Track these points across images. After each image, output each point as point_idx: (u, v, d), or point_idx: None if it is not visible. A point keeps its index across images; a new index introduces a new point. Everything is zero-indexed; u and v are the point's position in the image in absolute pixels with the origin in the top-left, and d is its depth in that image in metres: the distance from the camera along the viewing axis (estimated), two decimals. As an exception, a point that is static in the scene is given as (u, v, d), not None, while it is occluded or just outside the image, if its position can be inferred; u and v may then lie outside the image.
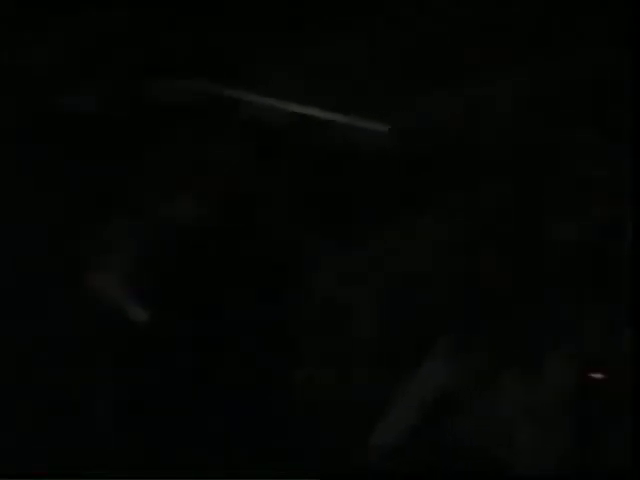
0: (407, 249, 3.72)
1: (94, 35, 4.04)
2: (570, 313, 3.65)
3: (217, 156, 3.84)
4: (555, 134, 3.78)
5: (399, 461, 3.49)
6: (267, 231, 3.78)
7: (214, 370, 3.68)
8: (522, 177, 3.77)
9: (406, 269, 3.72)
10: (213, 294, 3.73)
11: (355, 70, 4.01)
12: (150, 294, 3.73)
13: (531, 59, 3.92)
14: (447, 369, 3.60)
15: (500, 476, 3.48)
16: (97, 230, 3.81)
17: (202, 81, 3.97)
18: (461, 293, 3.64)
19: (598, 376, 3.48)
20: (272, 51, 4.03)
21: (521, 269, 3.68)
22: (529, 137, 3.79)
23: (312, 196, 3.82)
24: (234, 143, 3.84)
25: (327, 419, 3.68)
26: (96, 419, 3.72)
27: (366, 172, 3.84)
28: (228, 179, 3.85)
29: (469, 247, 3.70)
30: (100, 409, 3.73)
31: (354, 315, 3.73)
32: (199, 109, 3.91)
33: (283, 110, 3.91)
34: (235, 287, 3.72)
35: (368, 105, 3.94)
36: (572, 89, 3.83)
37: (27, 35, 4.02)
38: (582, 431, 3.43)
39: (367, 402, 3.61)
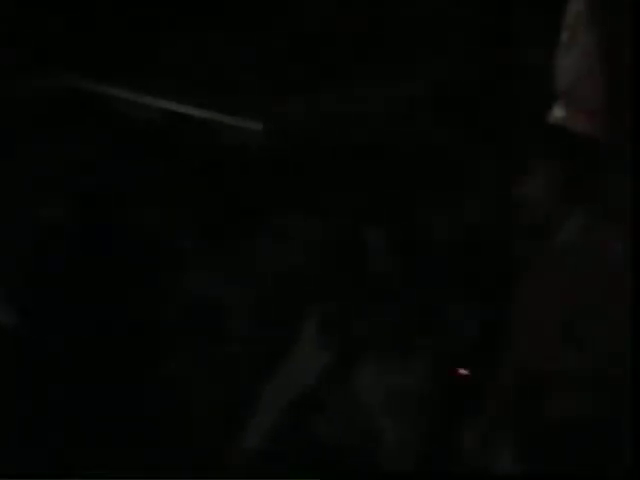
0: (279, 248, 3.75)
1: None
2: (439, 308, 3.72)
3: (87, 154, 3.83)
4: (426, 133, 3.85)
5: (267, 462, 3.51)
6: (139, 230, 3.77)
7: (84, 369, 3.66)
8: (393, 175, 3.83)
9: (278, 268, 3.75)
10: (84, 293, 3.72)
11: (230, 69, 4.04)
12: (18, 295, 3.71)
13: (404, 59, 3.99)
14: (313, 365, 3.64)
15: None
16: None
17: (74, 78, 3.96)
18: (332, 291, 3.68)
19: (463, 372, 3.54)
20: (147, 49, 4.04)
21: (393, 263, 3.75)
22: (402, 137, 3.86)
23: (184, 194, 3.83)
24: (106, 141, 3.83)
25: (200, 418, 3.70)
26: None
27: (239, 170, 3.87)
28: (101, 177, 3.84)
29: (341, 245, 3.75)
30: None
31: (226, 314, 3.76)
32: (71, 106, 3.90)
33: (157, 107, 3.93)
34: (106, 286, 3.72)
35: (242, 104, 3.97)
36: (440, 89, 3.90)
37: None
38: (441, 427, 3.49)
39: (239, 402, 3.64)
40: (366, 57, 3.96)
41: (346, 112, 3.89)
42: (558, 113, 3.38)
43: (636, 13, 3.17)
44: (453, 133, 3.87)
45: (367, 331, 3.62)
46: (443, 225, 3.86)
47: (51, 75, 3.96)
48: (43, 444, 3.64)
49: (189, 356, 3.71)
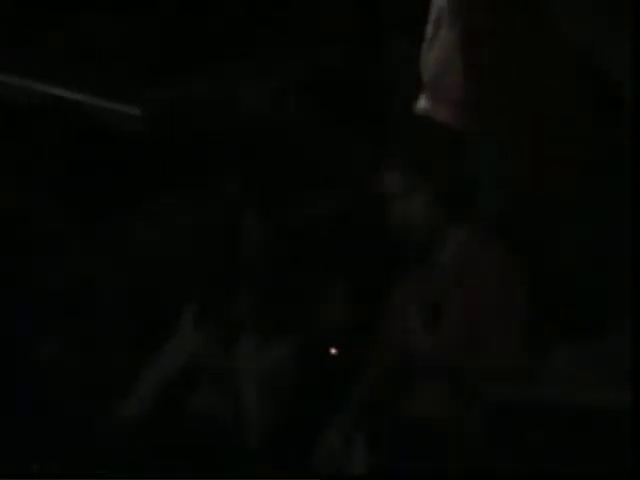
0: (151, 232, 3.84)
1: None
2: (312, 292, 3.86)
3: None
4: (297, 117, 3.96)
5: (139, 436, 3.61)
6: (14, 212, 3.82)
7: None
8: (266, 159, 3.94)
9: (151, 253, 3.83)
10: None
11: (110, 54, 4.09)
12: None
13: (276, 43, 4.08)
14: (189, 347, 3.75)
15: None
16: None
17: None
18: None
19: (333, 351, 3.69)
20: (24, 32, 4.07)
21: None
22: (273, 121, 3.96)
23: (57, 177, 3.88)
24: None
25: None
26: None
27: (116, 154, 3.93)
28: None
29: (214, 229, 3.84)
30: None
31: (99, 298, 3.83)
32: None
33: (34, 90, 3.96)
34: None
35: (121, 88, 4.03)
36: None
37: None
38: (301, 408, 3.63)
39: (115, 377, 3.73)
40: (238, 41, 4.05)
41: (218, 97, 3.97)
42: (422, 104, 3.53)
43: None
44: (324, 116, 3.98)
45: (242, 315, 3.74)
46: (316, 208, 3.98)
47: None
48: None
49: (62, 339, 3.78)
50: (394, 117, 3.69)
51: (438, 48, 3.49)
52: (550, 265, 3.39)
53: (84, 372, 3.74)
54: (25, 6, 4.10)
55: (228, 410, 3.68)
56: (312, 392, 3.60)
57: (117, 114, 4.00)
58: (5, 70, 4.04)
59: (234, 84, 3.97)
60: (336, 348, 3.68)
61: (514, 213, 3.40)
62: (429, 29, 3.53)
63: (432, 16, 3.52)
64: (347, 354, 3.65)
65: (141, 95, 4.00)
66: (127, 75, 4.03)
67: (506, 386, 3.29)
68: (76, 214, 3.86)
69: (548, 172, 3.40)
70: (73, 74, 4.03)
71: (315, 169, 3.95)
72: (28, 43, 4.06)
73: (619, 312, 3.28)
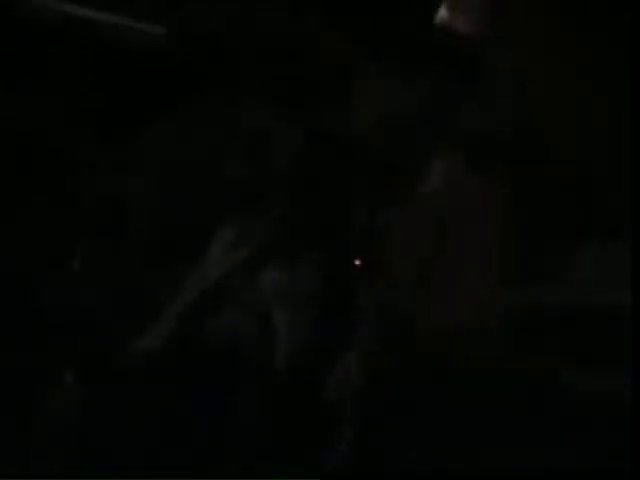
0: (181, 144, 3.92)
1: None
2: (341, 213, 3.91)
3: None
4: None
5: (158, 362, 3.70)
6: (43, 134, 3.91)
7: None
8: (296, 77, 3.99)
9: (180, 171, 3.92)
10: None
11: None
12: None
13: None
14: (222, 266, 3.83)
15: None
16: None
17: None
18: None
19: (358, 262, 3.76)
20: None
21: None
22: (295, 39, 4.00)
23: (87, 96, 3.96)
24: (6, 44, 3.93)
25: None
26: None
27: (141, 73, 4.00)
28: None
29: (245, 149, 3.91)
30: None
31: (131, 210, 3.92)
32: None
33: (59, 10, 4.02)
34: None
35: (145, 7, 4.08)
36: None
37: None
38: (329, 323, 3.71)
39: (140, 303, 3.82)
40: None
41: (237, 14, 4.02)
42: (443, 14, 3.62)
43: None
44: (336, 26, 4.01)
45: (273, 236, 3.82)
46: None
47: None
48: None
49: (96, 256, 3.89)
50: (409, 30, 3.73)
51: None
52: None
53: (113, 292, 3.87)
54: None
55: (253, 334, 3.76)
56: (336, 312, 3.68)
57: (141, 33, 4.05)
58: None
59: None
60: (360, 260, 3.75)
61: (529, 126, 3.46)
62: None
63: None
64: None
65: (164, 15, 4.04)
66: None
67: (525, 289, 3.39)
68: (105, 134, 3.95)
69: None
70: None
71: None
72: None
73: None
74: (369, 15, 3.69)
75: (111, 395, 3.65)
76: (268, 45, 3.90)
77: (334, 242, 3.75)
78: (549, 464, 3.38)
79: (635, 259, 3.17)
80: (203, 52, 3.95)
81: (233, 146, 3.93)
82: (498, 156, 3.34)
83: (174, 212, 3.87)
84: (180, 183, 3.91)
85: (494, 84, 3.48)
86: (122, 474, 3.56)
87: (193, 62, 4.00)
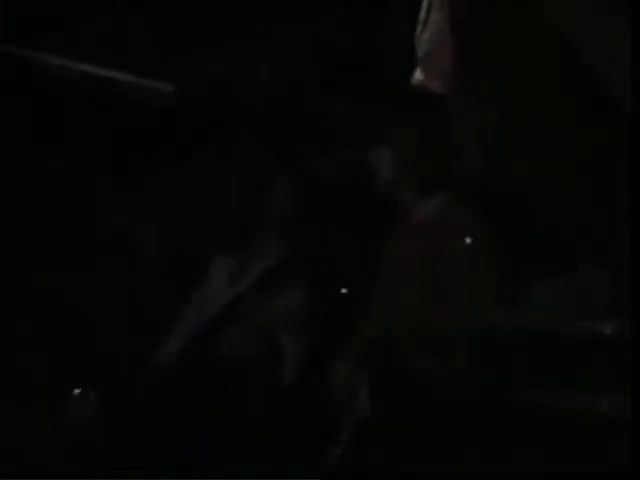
0: (183, 191, 4.44)
1: None
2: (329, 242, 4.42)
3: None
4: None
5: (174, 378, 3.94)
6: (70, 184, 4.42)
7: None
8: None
9: (183, 208, 4.43)
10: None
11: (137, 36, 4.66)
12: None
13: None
14: (223, 297, 4.10)
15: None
16: None
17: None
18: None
19: (344, 291, 4.26)
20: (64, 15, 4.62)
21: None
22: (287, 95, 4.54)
23: (103, 147, 4.47)
24: (27, 99, 4.43)
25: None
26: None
27: (151, 125, 4.51)
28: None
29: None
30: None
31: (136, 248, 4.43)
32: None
33: (75, 69, 4.52)
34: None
35: (154, 68, 4.61)
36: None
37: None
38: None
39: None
40: (251, 23, 4.62)
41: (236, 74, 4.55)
42: (418, 76, 4.16)
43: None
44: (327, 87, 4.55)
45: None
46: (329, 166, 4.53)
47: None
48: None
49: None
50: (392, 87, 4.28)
51: (429, 30, 4.12)
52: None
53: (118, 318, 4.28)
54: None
55: (258, 352, 4.04)
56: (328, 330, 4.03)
57: (152, 91, 4.58)
58: (53, 52, 4.59)
59: (250, 62, 4.55)
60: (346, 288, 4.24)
61: (496, 174, 4.00)
62: (422, 14, 4.16)
63: (424, 4, 4.16)
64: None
65: (172, 73, 4.58)
66: (159, 56, 4.61)
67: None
68: (120, 177, 4.46)
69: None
70: (111, 55, 4.62)
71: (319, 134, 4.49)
72: (73, 26, 4.62)
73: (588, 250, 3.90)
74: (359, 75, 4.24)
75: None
76: (261, 104, 4.45)
77: (322, 273, 4.25)
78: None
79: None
80: (205, 108, 4.50)
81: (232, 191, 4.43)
82: (473, 194, 3.85)
83: (180, 246, 4.37)
84: (185, 224, 4.42)
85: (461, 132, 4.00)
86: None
87: (196, 117, 4.55)
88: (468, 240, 3.50)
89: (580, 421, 3.74)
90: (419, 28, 4.16)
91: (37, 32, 4.57)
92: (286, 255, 4.12)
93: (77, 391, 3.88)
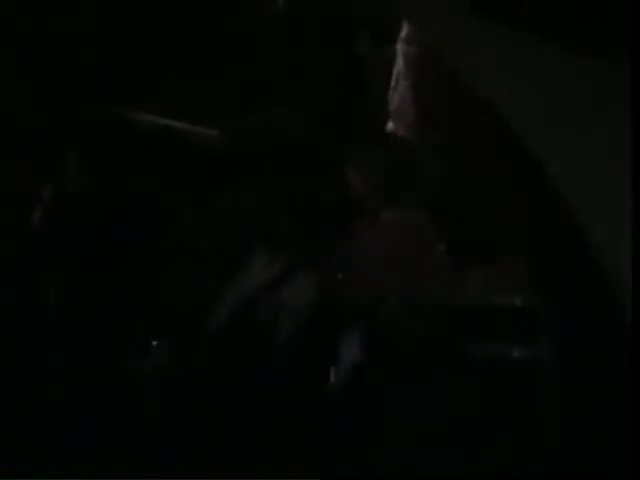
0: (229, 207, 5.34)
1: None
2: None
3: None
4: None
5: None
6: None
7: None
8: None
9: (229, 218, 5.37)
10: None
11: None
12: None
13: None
14: (258, 279, 4.88)
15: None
16: None
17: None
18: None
19: (340, 276, 4.93)
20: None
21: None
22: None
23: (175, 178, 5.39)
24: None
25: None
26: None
27: (202, 161, 5.42)
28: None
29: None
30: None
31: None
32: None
33: (156, 124, 5.41)
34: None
35: (206, 118, 5.50)
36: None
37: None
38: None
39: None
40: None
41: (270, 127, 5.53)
42: (390, 126, 5.57)
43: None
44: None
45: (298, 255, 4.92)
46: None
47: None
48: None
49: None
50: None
51: (399, 92, 5.53)
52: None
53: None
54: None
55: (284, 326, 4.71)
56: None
57: (203, 136, 5.51)
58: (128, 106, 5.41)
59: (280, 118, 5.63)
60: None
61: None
62: (393, 79, 5.56)
63: (394, 72, 5.57)
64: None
65: (221, 123, 5.54)
66: (210, 108, 5.58)
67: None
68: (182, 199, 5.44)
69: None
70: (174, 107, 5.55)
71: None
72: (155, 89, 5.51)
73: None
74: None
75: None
76: (286, 146, 5.43)
77: (323, 262, 5.12)
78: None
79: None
80: (243, 149, 5.51)
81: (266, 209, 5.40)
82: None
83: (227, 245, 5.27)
84: (230, 233, 5.29)
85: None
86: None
87: (237, 156, 5.52)
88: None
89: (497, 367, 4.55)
90: (391, 90, 5.51)
91: (130, 94, 5.43)
92: (299, 252, 4.95)
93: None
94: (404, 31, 5.52)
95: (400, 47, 5.55)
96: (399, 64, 5.58)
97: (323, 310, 4.82)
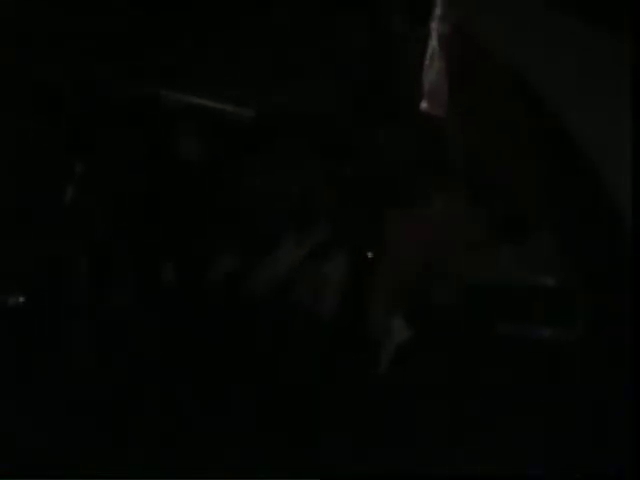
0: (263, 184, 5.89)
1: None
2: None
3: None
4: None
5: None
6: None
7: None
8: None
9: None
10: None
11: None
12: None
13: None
14: (293, 257, 5.29)
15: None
16: None
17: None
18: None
19: (369, 255, 5.32)
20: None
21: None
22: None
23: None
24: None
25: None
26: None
27: (236, 137, 5.75)
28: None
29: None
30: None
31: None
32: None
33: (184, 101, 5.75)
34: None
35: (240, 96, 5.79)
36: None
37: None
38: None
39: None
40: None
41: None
42: (424, 104, 5.77)
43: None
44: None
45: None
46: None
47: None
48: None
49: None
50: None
51: (432, 72, 5.70)
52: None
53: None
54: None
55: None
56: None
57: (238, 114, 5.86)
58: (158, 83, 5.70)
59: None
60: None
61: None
62: (427, 60, 5.74)
63: (429, 51, 5.75)
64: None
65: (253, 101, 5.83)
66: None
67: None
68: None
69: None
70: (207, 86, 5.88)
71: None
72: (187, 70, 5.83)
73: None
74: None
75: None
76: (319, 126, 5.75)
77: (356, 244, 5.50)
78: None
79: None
80: (276, 126, 5.85)
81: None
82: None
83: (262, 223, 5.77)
84: (264, 207, 5.74)
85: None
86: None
87: (270, 132, 5.87)
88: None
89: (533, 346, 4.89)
90: (425, 70, 5.71)
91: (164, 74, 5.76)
92: (330, 233, 5.35)
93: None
94: (437, 10, 5.59)
95: (434, 26, 5.67)
96: (433, 44, 5.66)
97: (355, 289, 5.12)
